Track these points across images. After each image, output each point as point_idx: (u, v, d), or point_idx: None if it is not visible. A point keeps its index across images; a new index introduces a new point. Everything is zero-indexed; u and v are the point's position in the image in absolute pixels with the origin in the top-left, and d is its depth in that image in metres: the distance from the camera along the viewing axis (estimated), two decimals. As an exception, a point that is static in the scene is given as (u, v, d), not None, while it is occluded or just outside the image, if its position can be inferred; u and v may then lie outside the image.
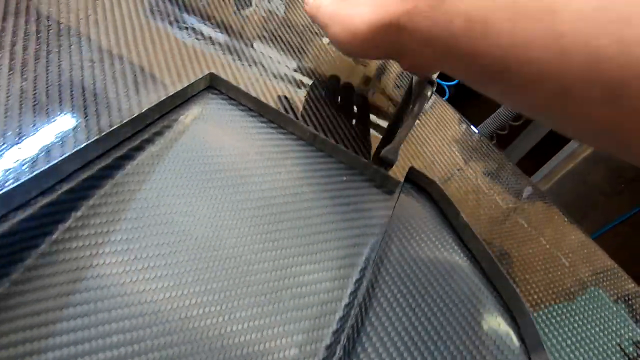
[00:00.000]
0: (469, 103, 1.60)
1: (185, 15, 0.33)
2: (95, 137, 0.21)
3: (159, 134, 0.25)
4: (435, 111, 0.40)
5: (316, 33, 0.40)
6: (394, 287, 0.24)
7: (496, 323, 0.25)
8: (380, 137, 0.32)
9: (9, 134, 0.20)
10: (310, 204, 0.26)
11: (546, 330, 0.26)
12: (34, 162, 0.19)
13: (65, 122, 0.22)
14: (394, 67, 0.42)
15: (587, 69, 0.14)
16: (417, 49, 0.22)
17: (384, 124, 0.35)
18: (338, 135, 0.29)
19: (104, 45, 0.27)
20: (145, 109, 0.24)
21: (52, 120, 0.22)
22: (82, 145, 0.20)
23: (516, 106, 0.20)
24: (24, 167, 0.19)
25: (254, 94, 0.29)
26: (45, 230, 0.20)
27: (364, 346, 0.21)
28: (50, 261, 0.19)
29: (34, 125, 0.21)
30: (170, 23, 0.32)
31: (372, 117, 0.34)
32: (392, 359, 0.21)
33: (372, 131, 0.32)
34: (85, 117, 0.22)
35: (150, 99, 0.25)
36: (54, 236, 0.20)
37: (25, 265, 0.19)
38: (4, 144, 0.20)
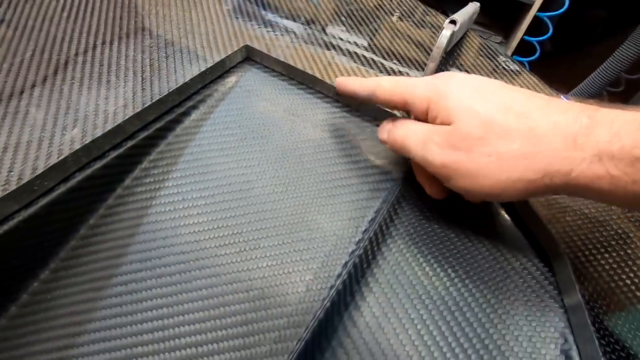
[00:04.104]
0: (570, 55, 1.37)
1: (262, 11, 0.37)
2: (149, 103, 0.26)
3: (202, 101, 0.30)
4: (516, 83, 0.37)
5: (387, 12, 0.41)
6: (409, 226, 0.24)
7: (524, 263, 0.23)
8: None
9: (84, 102, 0.26)
10: (333, 154, 0.28)
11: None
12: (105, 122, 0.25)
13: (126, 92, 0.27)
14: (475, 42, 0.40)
15: None
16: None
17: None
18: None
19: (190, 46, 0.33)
20: (188, 79, 0.28)
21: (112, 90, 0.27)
22: (139, 109, 0.25)
23: None
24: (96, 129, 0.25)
25: (328, 80, 0.30)
26: (118, 177, 0.26)
27: (374, 276, 0.23)
28: (123, 202, 0.25)
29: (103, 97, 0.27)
30: (252, 21, 0.36)
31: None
32: (403, 289, 0.22)
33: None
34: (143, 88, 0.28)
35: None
36: (125, 183, 0.26)
37: (106, 204, 0.25)
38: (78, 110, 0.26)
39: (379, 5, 0.41)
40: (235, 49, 0.32)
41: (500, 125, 0.18)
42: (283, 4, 0.39)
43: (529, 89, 0.36)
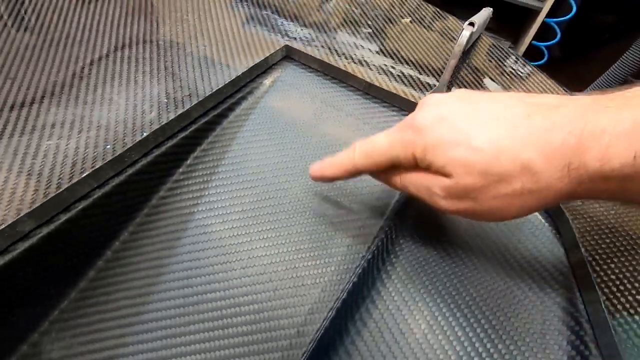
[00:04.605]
0: (577, 59, 1.41)
1: (276, 18, 0.41)
2: (209, 93, 0.30)
3: (250, 92, 0.34)
4: (529, 82, 0.40)
5: (399, 16, 0.45)
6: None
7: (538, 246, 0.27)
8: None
9: (158, 91, 0.31)
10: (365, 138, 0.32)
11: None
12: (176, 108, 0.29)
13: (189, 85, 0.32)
14: (486, 42, 0.44)
15: None
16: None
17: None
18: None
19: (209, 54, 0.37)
20: (240, 74, 0.32)
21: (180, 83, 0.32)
22: (202, 98, 0.30)
23: None
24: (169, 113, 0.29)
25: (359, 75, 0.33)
26: (184, 156, 0.30)
27: (401, 246, 0.26)
28: (187, 177, 0.29)
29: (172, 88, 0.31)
30: (266, 28, 0.41)
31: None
32: (424, 258, 0.26)
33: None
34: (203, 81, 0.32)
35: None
36: (188, 161, 0.30)
37: (172, 179, 0.29)
38: (154, 96, 0.30)
39: (390, 10, 0.46)
40: (274, 49, 0.36)
41: (497, 172, 0.18)
42: (303, 16, 0.43)
43: (540, 89, 0.40)
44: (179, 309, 0.24)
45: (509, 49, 0.43)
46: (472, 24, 0.31)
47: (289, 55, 0.37)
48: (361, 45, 0.39)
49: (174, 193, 0.29)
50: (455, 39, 0.41)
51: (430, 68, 0.37)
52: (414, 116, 0.20)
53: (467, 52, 0.38)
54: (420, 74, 0.36)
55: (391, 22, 0.43)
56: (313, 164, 0.25)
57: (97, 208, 0.24)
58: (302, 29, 0.40)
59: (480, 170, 0.18)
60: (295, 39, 0.38)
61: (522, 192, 0.18)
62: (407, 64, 0.37)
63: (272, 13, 0.42)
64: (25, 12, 0.37)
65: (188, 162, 0.30)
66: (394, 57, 0.38)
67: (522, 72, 0.41)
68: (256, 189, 0.29)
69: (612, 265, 0.24)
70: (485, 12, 0.40)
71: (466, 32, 0.31)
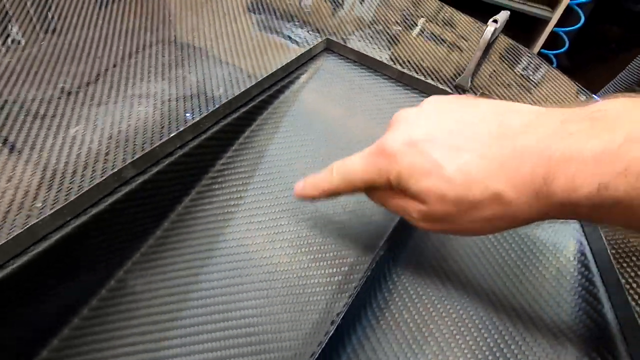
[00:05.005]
0: (585, 68, 1.45)
1: (288, 24, 0.46)
2: (265, 75, 0.35)
3: (297, 78, 0.38)
4: (549, 84, 0.43)
5: (409, 26, 0.49)
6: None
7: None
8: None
9: (215, 78, 0.35)
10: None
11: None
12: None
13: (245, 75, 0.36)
14: (501, 40, 0.49)
15: None
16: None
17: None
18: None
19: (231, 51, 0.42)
20: (286, 63, 0.37)
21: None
22: (260, 79, 0.34)
23: None
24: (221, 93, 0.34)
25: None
26: (243, 128, 0.34)
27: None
28: (246, 147, 0.34)
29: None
30: (279, 34, 0.45)
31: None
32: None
33: (450, 71, 0.41)
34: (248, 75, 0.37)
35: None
36: (245, 133, 0.34)
37: (232, 149, 0.34)
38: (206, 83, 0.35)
39: (402, 19, 0.50)
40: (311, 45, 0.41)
41: (468, 200, 0.18)
42: (313, 22, 0.48)
43: (559, 89, 0.44)
44: (238, 263, 0.28)
45: (525, 49, 0.47)
46: (495, 20, 0.36)
47: (328, 47, 0.42)
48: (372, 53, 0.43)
49: (234, 160, 0.33)
50: (467, 39, 0.45)
51: (436, 72, 0.41)
52: (386, 138, 0.21)
53: (488, 47, 0.43)
54: (426, 78, 0.41)
55: (406, 25, 0.48)
56: (297, 182, 0.25)
57: (179, 165, 0.29)
58: (311, 34, 0.45)
59: (453, 199, 0.19)
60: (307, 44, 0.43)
61: (494, 217, 0.19)
62: (419, 71, 0.42)
63: (286, 21, 0.47)
64: (107, 10, 0.42)
65: (245, 134, 0.34)
66: (405, 64, 0.43)
67: (537, 74, 0.45)
68: (305, 158, 0.33)
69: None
70: (505, 14, 0.44)
71: (490, 28, 0.35)
